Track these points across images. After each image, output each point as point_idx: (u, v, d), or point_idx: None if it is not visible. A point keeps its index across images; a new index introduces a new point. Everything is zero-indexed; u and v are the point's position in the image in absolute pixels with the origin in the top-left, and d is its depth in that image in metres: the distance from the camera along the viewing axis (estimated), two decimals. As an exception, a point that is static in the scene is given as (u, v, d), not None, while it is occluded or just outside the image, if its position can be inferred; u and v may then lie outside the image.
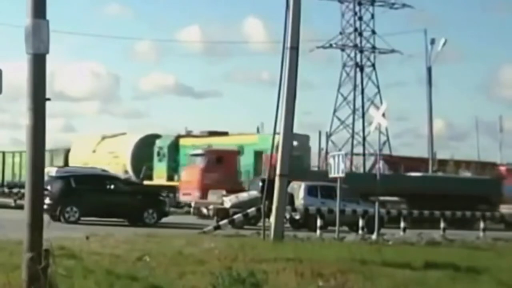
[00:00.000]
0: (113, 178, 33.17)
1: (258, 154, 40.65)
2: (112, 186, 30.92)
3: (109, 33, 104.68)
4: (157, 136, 47.90)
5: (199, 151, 42.78)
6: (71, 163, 48.67)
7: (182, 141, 47.06)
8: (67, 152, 51.72)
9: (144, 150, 46.68)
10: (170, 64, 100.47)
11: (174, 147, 46.76)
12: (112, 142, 50.03)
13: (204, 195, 38.62)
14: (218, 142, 44.48)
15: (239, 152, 42.71)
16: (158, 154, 46.57)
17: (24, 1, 10.42)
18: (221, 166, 41.27)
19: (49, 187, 27.59)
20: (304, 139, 41.82)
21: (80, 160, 48.05)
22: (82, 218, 28.65)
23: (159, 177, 46.08)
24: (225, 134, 48.89)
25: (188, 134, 48.61)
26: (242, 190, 35.84)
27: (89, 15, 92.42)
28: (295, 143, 38.05)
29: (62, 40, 59.71)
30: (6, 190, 45.95)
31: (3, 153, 56.88)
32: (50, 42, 10.48)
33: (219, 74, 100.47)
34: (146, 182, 44.63)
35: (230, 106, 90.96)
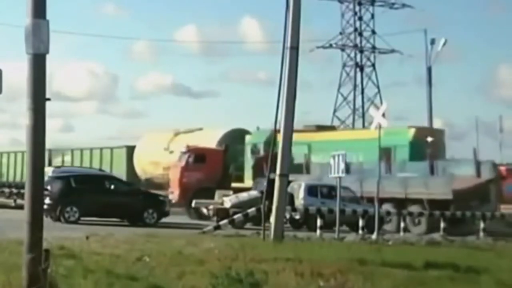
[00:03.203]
0: (112, 178, 33.20)
1: (382, 152, 34.24)
2: (112, 186, 30.94)
3: (107, 32, 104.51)
4: (245, 131, 41.95)
5: (184, 149, 40.26)
6: (138, 162, 46.01)
7: (280, 137, 41.37)
8: (131, 150, 47.54)
9: (230, 148, 40.96)
10: (168, 64, 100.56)
11: (272, 143, 41.50)
12: (188, 139, 43.26)
13: (184, 194, 37.84)
14: (326, 138, 38.49)
15: (226, 150, 40.07)
16: (253, 151, 39.86)
17: (24, 1, 10.44)
18: (203, 165, 39.26)
19: (49, 187, 27.60)
20: (439, 134, 37.74)
21: (150, 159, 44.46)
22: (82, 218, 28.65)
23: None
24: (332, 128, 45.62)
25: None
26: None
27: (86, 14, 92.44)
28: (429, 138, 35.15)
29: (60, 39, 59.55)
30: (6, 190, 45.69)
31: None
32: (50, 42, 10.49)
33: (216, 74, 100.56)
34: (235, 185, 38.24)
35: (228, 106, 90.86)
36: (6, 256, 13.16)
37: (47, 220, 19.37)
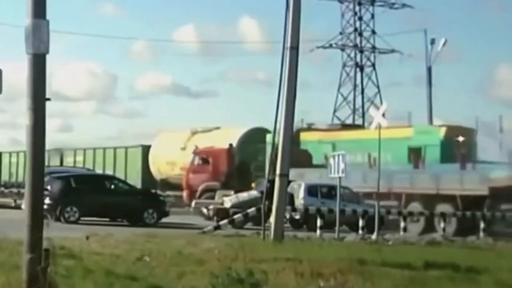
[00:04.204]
0: (112, 178, 33.20)
1: (412, 151, 34.41)
2: (112, 186, 30.95)
3: (106, 32, 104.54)
4: (266, 130, 39.20)
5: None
6: (153, 162, 45.57)
7: (303, 136, 39.52)
8: (146, 149, 46.82)
9: (250, 147, 40.11)
10: (166, 64, 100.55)
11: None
12: (206, 138, 42.74)
13: (191, 195, 37.90)
14: (350, 137, 37.78)
15: (230, 149, 39.44)
16: None
17: (24, 1, 10.44)
18: (208, 166, 39.11)
19: (49, 187, 27.60)
20: (471, 134, 36.15)
21: (166, 159, 44.25)
22: (82, 218, 28.66)
23: None
24: (359, 127, 44.81)
25: (310, 128, 41.41)
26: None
27: (85, 14, 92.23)
28: (460, 138, 33.69)
29: (60, 39, 59.44)
30: (5, 190, 45.54)
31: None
32: (50, 42, 10.49)
33: (215, 74, 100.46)
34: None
35: (227, 106, 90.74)
36: (6, 256, 13.16)
37: (50, 222, 19.33)
